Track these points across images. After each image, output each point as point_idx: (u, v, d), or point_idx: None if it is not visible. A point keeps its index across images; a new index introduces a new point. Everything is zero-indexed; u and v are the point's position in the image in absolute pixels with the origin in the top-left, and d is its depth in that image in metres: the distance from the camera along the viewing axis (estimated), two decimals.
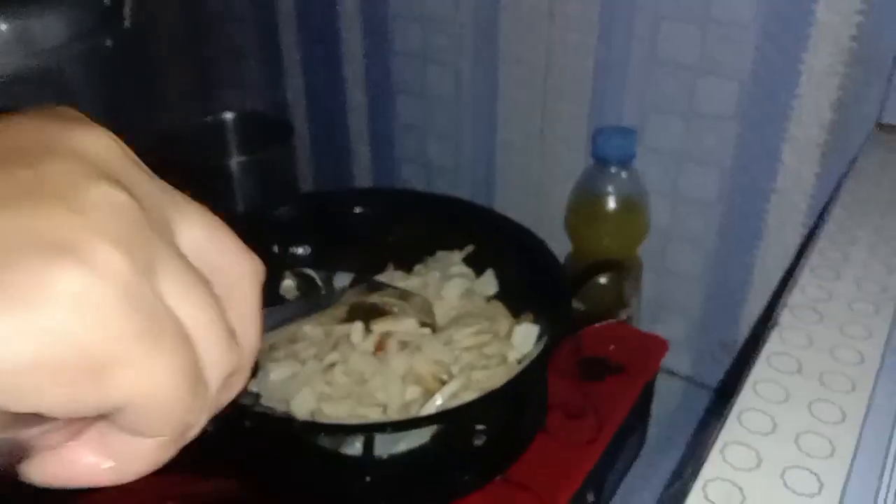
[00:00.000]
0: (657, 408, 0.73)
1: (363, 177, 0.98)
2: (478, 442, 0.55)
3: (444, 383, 0.55)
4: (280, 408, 0.52)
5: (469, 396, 0.55)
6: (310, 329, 0.58)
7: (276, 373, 0.53)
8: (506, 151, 0.85)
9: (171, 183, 0.21)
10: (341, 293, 0.55)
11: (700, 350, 0.80)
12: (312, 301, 0.56)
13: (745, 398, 0.36)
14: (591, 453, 0.56)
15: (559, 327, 0.52)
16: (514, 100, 0.82)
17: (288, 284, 0.62)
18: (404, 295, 0.58)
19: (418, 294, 0.60)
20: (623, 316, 0.51)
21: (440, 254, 0.68)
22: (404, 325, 0.57)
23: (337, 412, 0.54)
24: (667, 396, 0.80)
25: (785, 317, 0.41)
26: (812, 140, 0.65)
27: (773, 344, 0.39)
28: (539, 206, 0.84)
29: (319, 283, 0.59)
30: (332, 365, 0.54)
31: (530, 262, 0.61)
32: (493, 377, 0.56)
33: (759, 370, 0.37)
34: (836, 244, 0.49)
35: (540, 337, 0.55)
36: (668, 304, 0.80)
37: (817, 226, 0.52)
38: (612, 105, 0.75)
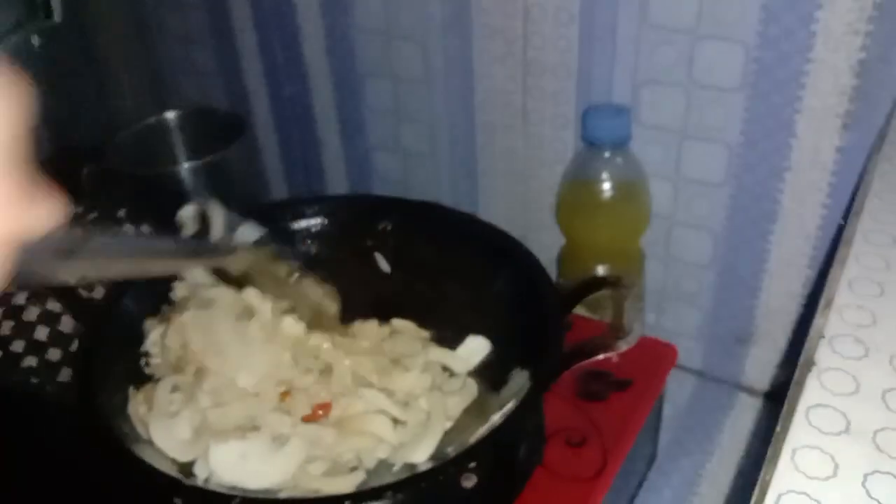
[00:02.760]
0: (665, 408, 0.66)
1: (335, 168, 0.90)
2: (468, 484, 0.49)
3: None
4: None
5: None
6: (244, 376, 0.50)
7: (222, 452, 0.45)
8: (486, 134, 0.77)
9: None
10: (237, 248, 0.51)
11: (712, 343, 0.73)
12: (202, 244, 0.52)
13: (782, 476, 0.29)
14: (597, 489, 0.50)
15: (551, 370, 0.45)
16: (491, 76, 0.73)
17: (186, 214, 0.56)
18: (306, 274, 0.53)
19: (325, 284, 0.53)
20: (623, 347, 0.44)
21: None
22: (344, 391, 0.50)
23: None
24: (676, 394, 0.73)
25: (822, 353, 0.34)
26: (830, 110, 0.57)
27: (812, 392, 0.32)
28: (526, 194, 0.76)
29: (216, 227, 0.54)
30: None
31: (517, 285, 0.53)
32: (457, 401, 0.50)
33: (798, 434, 0.30)
34: (873, 246, 0.41)
35: (530, 375, 0.47)
36: (675, 294, 0.72)
37: (847, 220, 0.44)
38: (601, 78, 0.67)
